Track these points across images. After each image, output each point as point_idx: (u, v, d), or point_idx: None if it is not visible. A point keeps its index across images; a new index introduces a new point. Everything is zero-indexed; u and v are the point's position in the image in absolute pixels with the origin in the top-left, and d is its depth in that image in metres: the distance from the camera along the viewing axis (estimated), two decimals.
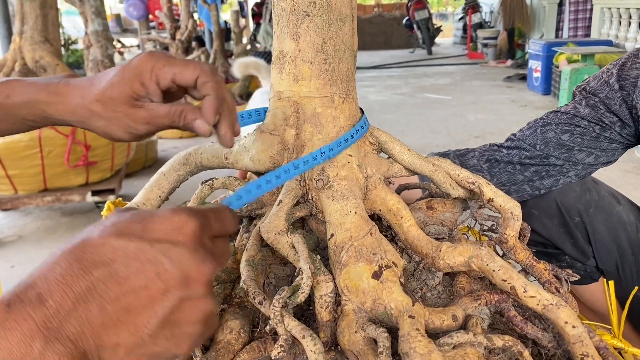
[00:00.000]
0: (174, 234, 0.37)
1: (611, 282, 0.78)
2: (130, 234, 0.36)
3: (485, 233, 0.84)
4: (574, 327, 0.58)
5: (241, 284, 0.58)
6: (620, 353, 0.77)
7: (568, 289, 0.81)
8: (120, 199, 1.91)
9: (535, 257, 0.75)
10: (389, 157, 0.72)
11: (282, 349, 0.54)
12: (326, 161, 0.64)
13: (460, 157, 1.16)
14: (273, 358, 0.54)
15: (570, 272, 0.80)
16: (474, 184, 0.75)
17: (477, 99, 5.91)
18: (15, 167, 2.34)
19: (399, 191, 0.89)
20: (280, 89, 0.67)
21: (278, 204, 0.64)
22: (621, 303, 1.22)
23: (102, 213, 0.98)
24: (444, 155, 1.17)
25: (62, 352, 0.33)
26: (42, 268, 0.36)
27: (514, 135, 1.19)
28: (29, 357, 0.32)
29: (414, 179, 1.04)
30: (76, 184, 2.51)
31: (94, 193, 2.50)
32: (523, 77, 6.87)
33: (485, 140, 4.19)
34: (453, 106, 5.52)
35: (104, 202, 2.60)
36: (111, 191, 2.52)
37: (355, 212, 0.63)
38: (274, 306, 0.54)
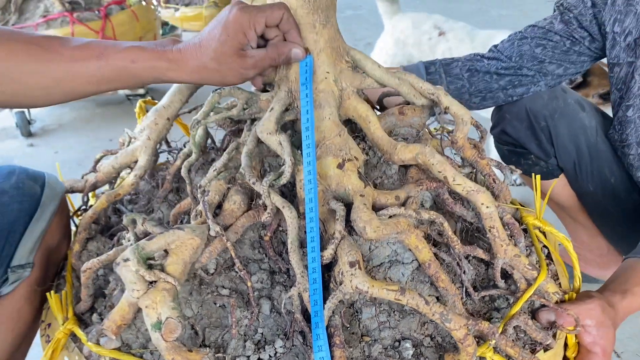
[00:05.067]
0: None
1: (538, 176, 0.96)
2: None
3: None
4: (487, 207, 0.78)
5: (240, 169, 0.78)
6: (543, 232, 0.97)
7: (509, 182, 0.99)
8: (150, 97, 2.15)
9: (480, 155, 0.92)
10: (362, 73, 0.89)
11: (269, 215, 0.76)
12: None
13: (445, 66, 1.31)
14: (263, 221, 0.76)
15: (513, 167, 0.98)
16: (433, 94, 0.91)
17: None
18: None
19: (382, 97, 1.06)
20: None
21: (270, 110, 0.82)
22: (578, 196, 1.41)
23: (135, 110, 1.17)
24: (432, 63, 1.31)
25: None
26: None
27: (495, 46, 1.32)
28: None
29: None
30: None
31: None
32: None
33: None
34: (479, 0, 5.41)
35: (134, 96, 2.81)
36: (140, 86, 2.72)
37: (329, 118, 0.82)
38: (262, 185, 0.75)
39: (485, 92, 1.29)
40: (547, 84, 1.28)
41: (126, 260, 0.67)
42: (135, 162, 0.92)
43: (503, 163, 0.98)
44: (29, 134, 2.72)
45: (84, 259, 0.92)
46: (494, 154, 1.61)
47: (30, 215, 0.90)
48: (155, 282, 0.68)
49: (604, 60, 1.27)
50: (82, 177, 1.07)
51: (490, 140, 1.60)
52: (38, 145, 2.66)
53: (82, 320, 0.84)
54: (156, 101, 1.19)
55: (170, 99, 0.96)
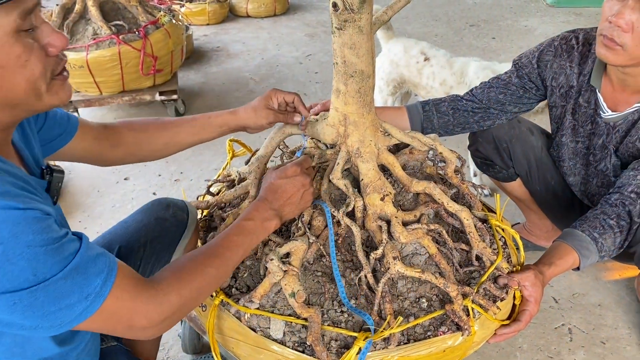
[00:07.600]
0: (294, 173, 1.22)
1: (497, 196, 1.52)
2: (282, 178, 1.21)
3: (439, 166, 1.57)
4: (467, 220, 1.35)
5: (319, 202, 1.33)
6: (504, 230, 1.54)
7: (479, 194, 1.55)
8: (182, 100, 2.66)
9: (462, 180, 1.48)
10: (389, 135, 1.43)
11: (343, 229, 1.31)
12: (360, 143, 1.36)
13: (436, 106, 1.85)
14: (338, 232, 1.31)
15: (483, 186, 1.55)
16: (432, 145, 1.47)
17: None
18: (101, 76, 2.99)
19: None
20: (337, 106, 1.36)
21: (337, 164, 1.37)
22: (530, 193, 1.99)
23: (227, 149, 1.70)
24: (426, 103, 1.85)
25: (274, 215, 1.19)
26: (263, 193, 1.22)
27: (471, 90, 1.86)
28: (267, 218, 1.18)
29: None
30: (146, 86, 3.18)
31: (161, 93, 3.19)
32: None
33: (479, 28, 4.71)
34: None
35: (168, 100, 3.27)
36: (174, 92, 3.20)
37: (373, 169, 1.36)
38: (339, 212, 1.30)
39: (464, 124, 1.84)
40: (507, 118, 1.84)
41: (272, 259, 1.22)
42: (247, 192, 1.46)
43: (476, 184, 1.55)
44: None
45: None
46: (472, 163, 2.17)
47: (181, 233, 1.44)
48: (286, 271, 1.23)
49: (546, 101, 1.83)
50: (197, 199, 1.62)
51: (468, 154, 2.16)
52: None
53: (225, 293, 1.40)
54: (239, 140, 1.72)
55: (265, 150, 1.50)
